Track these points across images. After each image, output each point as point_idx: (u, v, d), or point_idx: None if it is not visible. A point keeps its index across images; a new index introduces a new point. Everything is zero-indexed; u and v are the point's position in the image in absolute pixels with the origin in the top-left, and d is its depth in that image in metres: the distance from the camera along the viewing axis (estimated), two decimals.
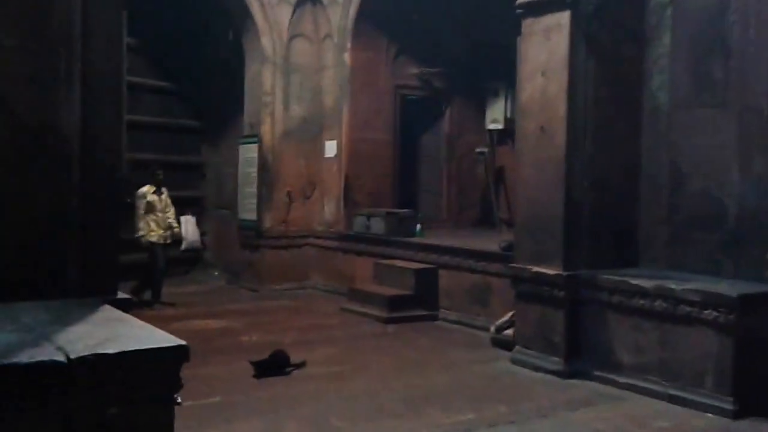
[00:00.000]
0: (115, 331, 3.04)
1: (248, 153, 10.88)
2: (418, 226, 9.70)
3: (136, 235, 9.47)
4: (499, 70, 10.49)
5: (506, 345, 7.01)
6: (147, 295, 9.57)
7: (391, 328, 8.32)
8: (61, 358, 2.44)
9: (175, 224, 9.89)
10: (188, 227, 12.12)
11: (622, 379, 5.87)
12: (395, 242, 9.50)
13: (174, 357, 2.96)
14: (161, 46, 11.47)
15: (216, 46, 11.73)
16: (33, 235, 3.87)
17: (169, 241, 9.82)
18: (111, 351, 2.57)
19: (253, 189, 10.78)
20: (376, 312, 8.64)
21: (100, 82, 4.25)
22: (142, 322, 3.36)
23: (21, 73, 3.98)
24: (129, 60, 11.74)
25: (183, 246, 12.06)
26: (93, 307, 3.47)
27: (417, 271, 8.76)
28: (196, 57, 11.87)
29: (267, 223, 10.70)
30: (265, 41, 10.61)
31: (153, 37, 11.28)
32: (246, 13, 10.63)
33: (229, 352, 7.12)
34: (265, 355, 6.41)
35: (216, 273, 12.32)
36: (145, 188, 9.61)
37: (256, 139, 10.69)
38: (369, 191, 10.51)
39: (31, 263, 3.85)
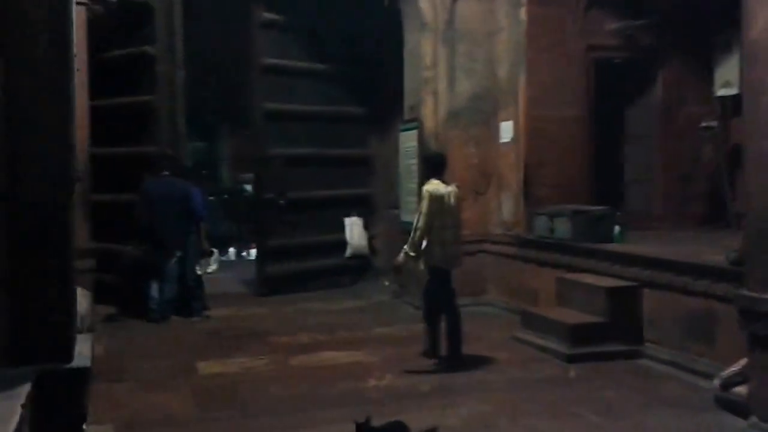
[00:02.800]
0: None
1: (408, 141, 9.05)
2: (617, 228, 7.29)
3: (413, 253, 6.28)
4: (730, 13, 7.77)
5: (738, 409, 4.56)
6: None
7: (573, 370, 6.07)
8: None
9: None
10: (354, 230, 10.62)
11: None
12: (584, 250, 7.18)
13: None
14: (314, 23, 9.97)
15: (375, 18, 10.00)
16: None
17: (458, 264, 6.47)
18: None
19: (415, 185, 8.91)
20: (554, 345, 6.43)
21: (30, 57, 2.69)
22: None
23: None
24: (278, 42, 10.44)
25: (348, 252, 10.56)
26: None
27: (611, 291, 6.41)
28: (354, 32, 10.27)
29: None
30: (424, 4, 8.68)
31: (303, 13, 9.82)
32: None
33: (346, 403, 5.31)
34: (377, 417, 4.52)
35: (387, 283, 10.63)
36: (434, 184, 6.19)
37: (415, 125, 8.82)
38: (555, 183, 8.25)
39: None
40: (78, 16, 7.61)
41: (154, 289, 8.29)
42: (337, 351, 6.87)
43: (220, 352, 6.88)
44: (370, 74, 10.49)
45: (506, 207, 8.68)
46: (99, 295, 8.57)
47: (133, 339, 7.56)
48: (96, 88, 8.57)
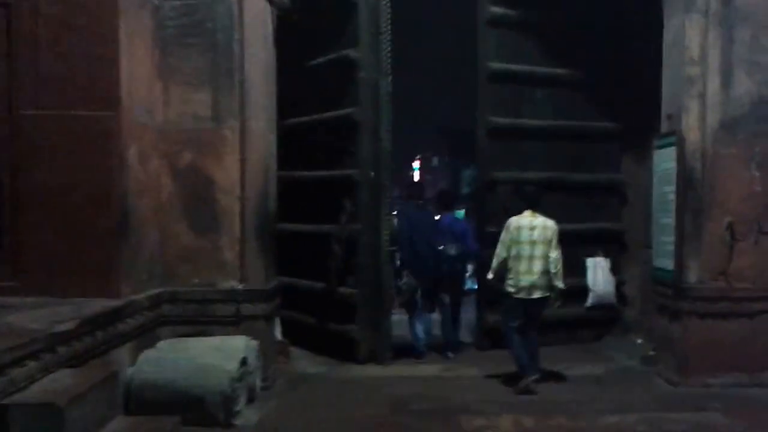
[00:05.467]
0: None
1: (664, 162, 6.82)
2: None
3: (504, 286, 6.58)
4: None
5: None
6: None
7: None
8: None
9: (553, 270, 6.46)
10: (598, 274, 8.53)
11: None
12: None
13: None
14: (553, 17, 8.14)
15: (631, 6, 7.91)
16: None
17: (536, 295, 6.43)
18: None
19: (671, 220, 6.67)
20: None
21: None
22: None
23: None
24: (509, 42, 8.47)
25: (590, 300, 8.47)
26: None
27: None
28: (604, 27, 8.27)
29: (692, 275, 6.46)
30: None
31: (539, 6, 8.05)
32: None
33: None
34: None
35: (639, 341, 8.40)
36: (519, 216, 6.62)
37: (674, 139, 6.59)
38: None
39: None
40: (257, 10, 6.37)
41: (419, 328, 7.81)
42: None
43: None
44: (626, 78, 8.36)
45: None
46: (302, 339, 7.73)
47: (300, 406, 6.06)
48: (292, 102, 7.63)
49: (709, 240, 6.40)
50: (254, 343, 5.88)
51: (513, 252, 6.40)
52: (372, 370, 7.17)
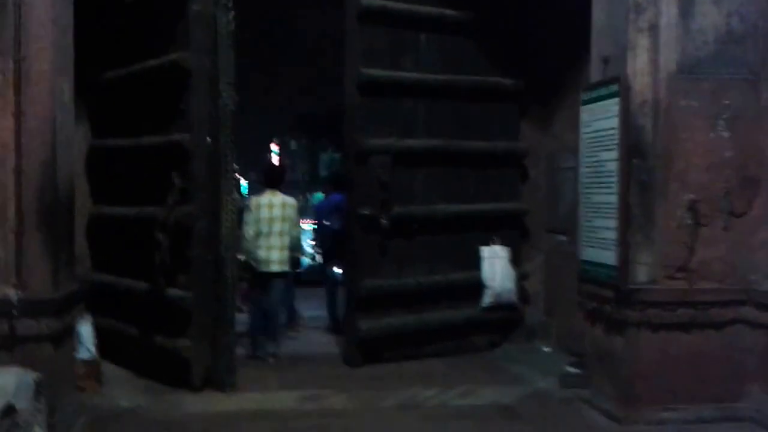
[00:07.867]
0: None
1: (599, 119, 5.09)
2: None
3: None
4: None
5: None
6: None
7: None
8: None
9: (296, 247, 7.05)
10: (496, 267, 6.82)
11: None
12: None
13: None
14: None
15: None
16: None
17: (275, 269, 6.59)
18: None
19: (611, 198, 4.94)
20: None
21: None
22: None
23: None
24: None
25: (486, 299, 6.75)
26: None
27: None
28: None
29: (642, 272, 4.76)
30: None
31: None
32: None
33: None
34: None
35: (546, 349, 6.81)
36: (261, 196, 6.76)
37: (614, 89, 4.87)
38: None
39: None
40: None
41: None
42: None
43: None
44: (529, 24, 6.69)
45: None
46: (123, 354, 5.93)
47: None
48: (110, 50, 5.67)
49: (664, 225, 4.74)
50: (32, 377, 3.88)
51: (264, 230, 6.51)
52: (209, 402, 5.29)
